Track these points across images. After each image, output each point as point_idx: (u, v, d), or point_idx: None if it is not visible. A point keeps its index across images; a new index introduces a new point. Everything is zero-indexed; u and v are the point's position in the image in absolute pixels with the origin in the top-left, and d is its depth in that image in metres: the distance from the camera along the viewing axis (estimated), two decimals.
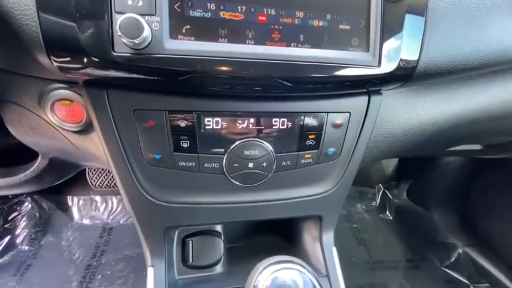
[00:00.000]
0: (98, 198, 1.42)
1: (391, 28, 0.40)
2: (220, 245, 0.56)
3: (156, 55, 0.33)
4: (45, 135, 0.48)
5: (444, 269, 1.31)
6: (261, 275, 0.38)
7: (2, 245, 1.20)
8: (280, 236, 0.65)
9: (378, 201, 1.67)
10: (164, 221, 0.49)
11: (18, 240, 1.24)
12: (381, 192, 1.66)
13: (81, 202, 1.40)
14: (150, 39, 0.32)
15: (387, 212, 1.63)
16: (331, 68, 0.39)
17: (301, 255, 0.60)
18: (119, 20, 0.31)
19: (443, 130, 0.58)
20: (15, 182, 0.58)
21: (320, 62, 0.38)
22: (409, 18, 0.40)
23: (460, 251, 1.33)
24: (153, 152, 0.43)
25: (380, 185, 1.67)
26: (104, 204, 1.43)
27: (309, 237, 0.60)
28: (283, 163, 0.47)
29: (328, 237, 0.57)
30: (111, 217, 1.42)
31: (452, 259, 1.33)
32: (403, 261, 1.37)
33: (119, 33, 0.31)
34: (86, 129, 0.46)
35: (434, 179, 1.48)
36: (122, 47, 0.32)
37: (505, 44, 0.48)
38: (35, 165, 0.58)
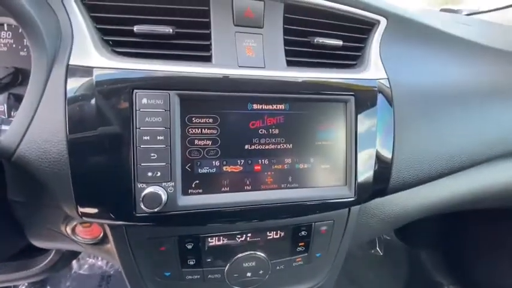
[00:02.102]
0: None
1: (363, 165, 0.48)
2: None
3: (170, 212, 0.40)
4: (63, 244, 0.54)
5: None
6: None
7: None
8: None
9: None
10: None
11: None
12: None
13: None
14: (166, 201, 0.39)
15: (377, 248, 1.70)
16: (317, 204, 0.47)
17: None
18: (142, 193, 0.38)
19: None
20: (29, 275, 0.63)
21: (308, 200, 0.46)
22: (378, 156, 0.49)
23: None
24: (164, 270, 0.49)
25: None
26: None
27: None
28: (277, 267, 0.54)
29: None
30: (109, 264, 1.44)
31: None
32: None
33: (142, 205, 0.38)
34: (101, 242, 0.52)
35: (421, 219, 1.56)
36: (140, 210, 0.39)
37: (473, 152, 0.57)
38: (49, 258, 0.64)
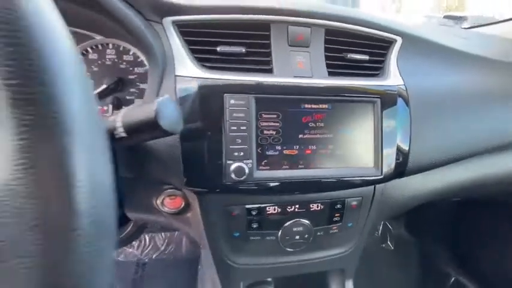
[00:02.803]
0: None
1: (387, 151, 0.62)
2: None
3: (248, 182, 0.55)
4: (149, 215, 0.69)
5: None
6: None
7: None
8: (311, 284, 0.85)
9: (380, 232, 1.86)
10: (239, 277, 0.69)
11: None
12: (382, 224, 1.85)
13: None
14: (247, 173, 0.54)
15: (388, 242, 1.81)
16: (352, 180, 0.61)
17: None
18: (231, 167, 0.53)
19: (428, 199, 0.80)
20: None
21: (345, 176, 0.60)
22: (398, 145, 0.63)
23: (453, 279, 1.51)
24: (234, 231, 0.63)
25: None
26: (137, 242, 1.61)
27: (334, 285, 0.81)
28: (318, 233, 0.68)
29: (349, 285, 0.77)
30: (144, 252, 1.59)
31: None
32: None
33: (232, 175, 0.53)
34: (182, 212, 0.67)
35: (429, 212, 1.68)
36: (229, 179, 0.54)
37: (472, 144, 0.71)
38: (128, 230, 0.78)
